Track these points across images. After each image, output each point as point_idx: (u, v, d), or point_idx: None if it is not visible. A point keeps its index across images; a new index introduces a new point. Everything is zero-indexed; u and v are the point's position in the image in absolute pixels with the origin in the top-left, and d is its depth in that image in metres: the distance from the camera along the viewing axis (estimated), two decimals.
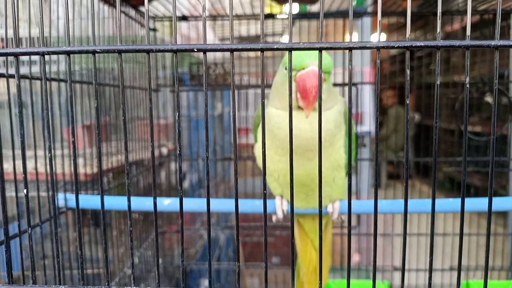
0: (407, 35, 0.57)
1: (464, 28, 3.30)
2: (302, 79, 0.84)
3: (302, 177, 0.96)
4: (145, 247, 1.63)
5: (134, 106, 1.64)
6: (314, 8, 2.08)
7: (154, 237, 0.62)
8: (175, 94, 0.68)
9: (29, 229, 0.64)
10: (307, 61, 0.85)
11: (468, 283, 1.59)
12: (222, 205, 1.02)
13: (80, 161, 1.52)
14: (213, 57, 2.62)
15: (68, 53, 0.59)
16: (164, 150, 2.07)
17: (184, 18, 1.63)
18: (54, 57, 1.20)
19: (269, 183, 1.07)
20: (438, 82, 0.57)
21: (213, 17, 1.73)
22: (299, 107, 0.89)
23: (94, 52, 0.58)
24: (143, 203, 1.02)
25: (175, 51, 0.57)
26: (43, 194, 1.44)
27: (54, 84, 1.57)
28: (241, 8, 1.69)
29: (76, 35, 1.26)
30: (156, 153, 1.91)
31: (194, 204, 1.02)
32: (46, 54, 0.59)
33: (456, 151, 1.93)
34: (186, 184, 2.46)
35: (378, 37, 0.57)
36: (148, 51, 0.58)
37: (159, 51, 0.58)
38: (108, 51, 0.58)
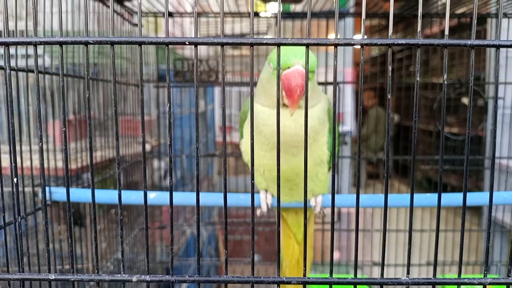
0: (390, 33, 0.60)
1: (442, 31, 3.39)
2: (287, 78, 0.86)
3: (286, 172, 0.99)
4: (127, 242, 1.63)
5: (118, 102, 1.63)
6: (298, 8, 2.11)
7: (144, 225, 0.63)
8: (167, 87, 0.70)
9: (19, 217, 0.65)
10: (292, 60, 0.87)
11: (444, 278, 1.65)
12: (208, 198, 1.04)
13: (62, 156, 1.52)
14: (202, 50, 2.62)
15: (61, 43, 0.60)
16: (147, 147, 2.08)
17: (169, 14, 1.64)
18: (30, 51, 1.19)
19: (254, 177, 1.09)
20: (418, 79, 0.60)
21: (198, 14, 1.74)
22: (284, 105, 0.91)
23: (86, 43, 0.59)
24: (128, 197, 1.03)
25: (167, 44, 0.59)
26: (26, 189, 1.43)
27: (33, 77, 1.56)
28: (226, 6, 1.70)
29: (64, 29, 1.26)
30: (139, 149, 1.91)
31: (180, 197, 1.03)
32: (39, 44, 0.59)
33: (434, 151, 1.99)
34: (168, 181, 2.46)
35: (362, 35, 0.60)
36: (140, 43, 0.59)
37: (152, 43, 0.59)
38: (100, 43, 0.59)
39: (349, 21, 3.12)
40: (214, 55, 2.69)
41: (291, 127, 0.92)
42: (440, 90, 2.21)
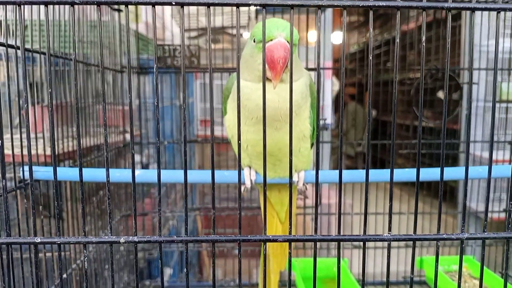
0: None
1: (419, 27, 3.46)
2: (270, 50, 0.87)
3: (269, 147, 1.00)
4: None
5: (99, 90, 1.62)
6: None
7: (132, 188, 0.64)
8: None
9: (3, 181, 0.65)
10: (275, 33, 0.87)
11: (422, 259, 1.69)
12: (193, 175, 1.04)
13: (41, 142, 1.49)
14: (179, 40, 2.61)
15: (46, 3, 0.59)
16: (128, 136, 2.06)
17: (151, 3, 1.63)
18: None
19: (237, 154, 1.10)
20: (398, 40, 0.62)
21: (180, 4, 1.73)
22: (267, 78, 0.92)
23: (73, 3, 0.59)
24: (112, 174, 1.02)
25: (153, 4, 0.60)
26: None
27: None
28: None
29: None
30: (120, 138, 1.89)
31: (167, 175, 1.03)
32: (23, 4, 0.59)
33: (412, 137, 2.03)
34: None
35: None
36: (126, 3, 0.60)
37: (138, 3, 0.60)
38: (87, 3, 0.59)
39: (328, 15, 3.15)
40: (195, 41, 2.68)
41: (274, 100, 0.93)
42: (418, 84, 2.26)
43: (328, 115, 2.82)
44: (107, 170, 0.64)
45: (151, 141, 2.09)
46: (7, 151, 1.10)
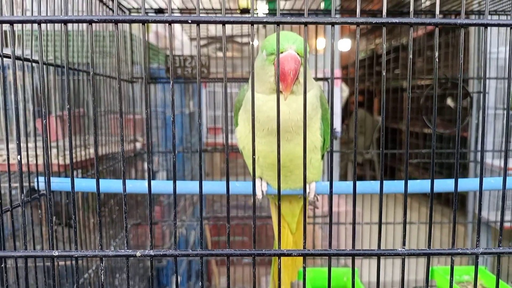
0: (384, 13, 0.62)
1: (427, 33, 3.45)
2: (281, 62, 0.87)
3: (281, 158, 1.00)
4: (120, 238, 1.63)
5: (109, 100, 1.64)
6: (286, 5, 2.14)
7: (148, 201, 0.64)
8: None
9: (22, 195, 0.66)
10: (285, 45, 0.88)
11: (433, 269, 1.68)
12: (207, 187, 1.04)
13: (54, 151, 1.51)
14: (189, 51, 2.64)
15: (65, 22, 0.61)
16: (138, 145, 2.08)
17: (160, 11, 1.65)
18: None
19: (249, 165, 1.11)
20: (411, 56, 0.63)
21: (187, 10, 1.74)
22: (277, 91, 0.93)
23: (91, 22, 0.61)
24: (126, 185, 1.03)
25: (170, 22, 0.61)
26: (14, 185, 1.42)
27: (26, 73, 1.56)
28: (210, 5, 1.69)
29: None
30: (131, 147, 1.91)
31: (181, 186, 1.04)
32: (43, 22, 0.61)
33: (421, 144, 2.03)
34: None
35: (357, 12, 0.62)
36: (143, 22, 0.61)
37: (155, 21, 0.61)
38: (105, 21, 0.61)
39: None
40: (205, 50, 2.70)
41: (285, 112, 0.93)
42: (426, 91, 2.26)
43: (337, 124, 2.83)
44: (124, 184, 0.65)
45: (161, 150, 2.10)
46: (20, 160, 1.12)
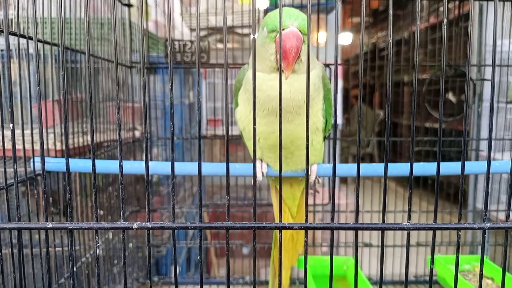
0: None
1: (428, 27, 3.43)
2: (282, 40, 0.85)
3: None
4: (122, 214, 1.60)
5: (108, 88, 1.61)
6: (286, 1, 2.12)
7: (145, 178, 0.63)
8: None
9: (14, 165, 0.64)
10: (287, 22, 0.86)
11: (434, 258, 1.67)
12: (207, 167, 1.02)
13: (51, 137, 1.49)
14: (189, 36, 2.61)
15: None
16: (137, 133, 2.05)
17: None
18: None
19: (249, 146, 1.09)
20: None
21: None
22: (279, 69, 0.90)
23: None
24: (124, 165, 1.01)
25: None
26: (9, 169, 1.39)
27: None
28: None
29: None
30: (129, 135, 1.89)
31: (180, 166, 1.02)
32: None
33: (422, 143, 2.00)
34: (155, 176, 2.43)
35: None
36: None
37: None
38: None
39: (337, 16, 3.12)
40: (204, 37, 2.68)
41: (286, 91, 0.91)
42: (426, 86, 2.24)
43: (337, 115, 2.80)
44: (120, 154, 0.63)
45: (160, 138, 2.08)
46: (17, 146, 1.10)
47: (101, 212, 1.59)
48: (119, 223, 0.62)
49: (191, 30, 2.89)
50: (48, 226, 0.62)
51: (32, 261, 1.12)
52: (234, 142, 2.36)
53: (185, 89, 2.72)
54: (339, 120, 2.73)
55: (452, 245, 1.90)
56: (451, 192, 3.84)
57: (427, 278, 1.84)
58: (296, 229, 0.62)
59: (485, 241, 0.65)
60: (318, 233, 2.50)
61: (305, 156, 0.64)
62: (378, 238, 1.82)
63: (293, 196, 1.17)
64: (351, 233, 1.98)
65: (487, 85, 1.94)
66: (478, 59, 2.09)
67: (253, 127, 0.64)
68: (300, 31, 0.86)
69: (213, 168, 1.04)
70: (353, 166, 1.03)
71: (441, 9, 3.56)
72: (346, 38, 4.51)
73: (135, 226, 0.61)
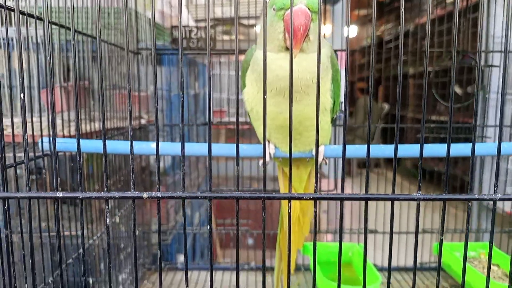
0: None
1: (434, 19, 3.41)
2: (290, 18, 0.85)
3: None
4: (125, 208, 1.61)
5: (115, 74, 1.62)
6: None
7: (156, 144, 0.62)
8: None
9: (25, 134, 0.64)
10: None
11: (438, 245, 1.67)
12: (215, 148, 1.02)
13: (58, 123, 1.49)
14: (195, 23, 2.61)
15: None
16: (143, 121, 2.06)
17: None
18: None
19: (256, 127, 1.09)
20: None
21: None
22: (287, 48, 0.90)
23: None
24: (126, 146, 1.01)
25: None
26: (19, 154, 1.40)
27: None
28: None
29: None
30: (135, 123, 1.89)
31: (189, 147, 1.02)
32: None
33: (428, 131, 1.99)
34: (161, 163, 2.44)
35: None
36: None
37: None
38: None
39: (339, 8, 3.12)
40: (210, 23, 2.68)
41: (294, 70, 0.89)
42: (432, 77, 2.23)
43: (342, 106, 2.80)
44: (131, 131, 0.63)
45: (165, 131, 2.09)
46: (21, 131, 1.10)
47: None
48: (129, 192, 0.62)
49: (196, 21, 2.89)
50: (58, 195, 0.62)
51: (41, 250, 1.13)
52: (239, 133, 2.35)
53: (190, 79, 2.72)
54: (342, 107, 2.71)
55: (458, 232, 1.90)
56: (457, 185, 3.83)
57: (432, 265, 1.84)
58: (306, 199, 0.62)
59: (495, 212, 0.65)
60: (323, 221, 2.50)
61: (315, 127, 0.63)
62: (383, 225, 1.83)
63: (299, 178, 1.17)
64: (356, 220, 1.99)
65: (494, 73, 1.92)
66: (486, 49, 2.07)
67: (263, 108, 0.64)
68: (308, 8, 0.85)
69: (220, 149, 1.04)
70: (360, 147, 1.03)
71: (449, 0, 3.54)
72: (351, 30, 4.50)
73: (145, 195, 0.62)
